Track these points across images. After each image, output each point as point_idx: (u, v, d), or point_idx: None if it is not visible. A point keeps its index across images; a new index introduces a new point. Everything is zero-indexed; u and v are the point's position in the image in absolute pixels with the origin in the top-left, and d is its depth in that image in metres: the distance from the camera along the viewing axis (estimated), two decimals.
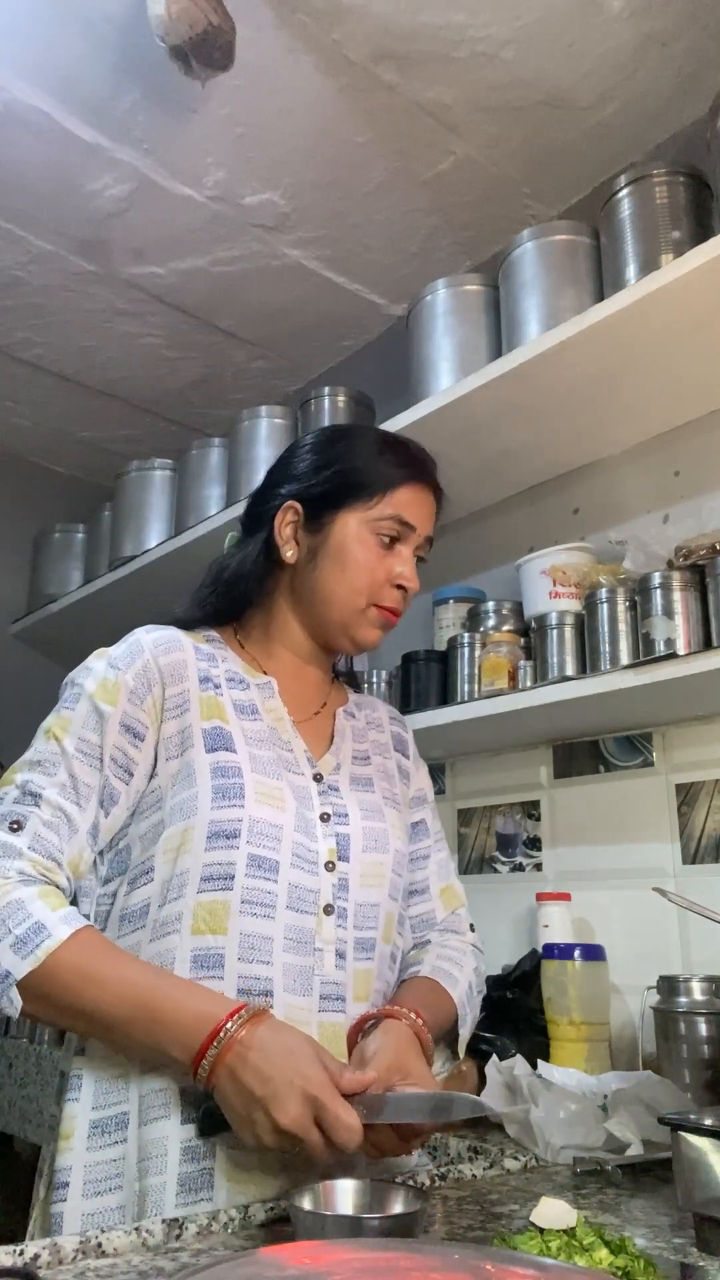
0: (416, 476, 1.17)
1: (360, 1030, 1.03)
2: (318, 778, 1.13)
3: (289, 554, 1.17)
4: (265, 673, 1.17)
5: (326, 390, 2.36)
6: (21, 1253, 0.78)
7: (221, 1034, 0.89)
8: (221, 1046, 0.89)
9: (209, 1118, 0.93)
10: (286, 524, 1.17)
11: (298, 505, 1.17)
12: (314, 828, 1.08)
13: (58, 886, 0.99)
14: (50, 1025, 1.97)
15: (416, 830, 1.25)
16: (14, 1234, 1.00)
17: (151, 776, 1.07)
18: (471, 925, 1.25)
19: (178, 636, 1.14)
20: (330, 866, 1.07)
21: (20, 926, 0.93)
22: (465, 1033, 1.14)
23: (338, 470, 1.16)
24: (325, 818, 1.10)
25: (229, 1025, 0.90)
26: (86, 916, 1.01)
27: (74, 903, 1.01)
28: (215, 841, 1.02)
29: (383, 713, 1.32)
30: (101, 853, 1.08)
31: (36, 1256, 0.78)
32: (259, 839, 1.03)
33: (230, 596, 1.20)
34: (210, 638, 1.18)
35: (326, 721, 1.21)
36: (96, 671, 1.08)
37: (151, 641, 1.11)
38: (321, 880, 1.06)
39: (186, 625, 1.18)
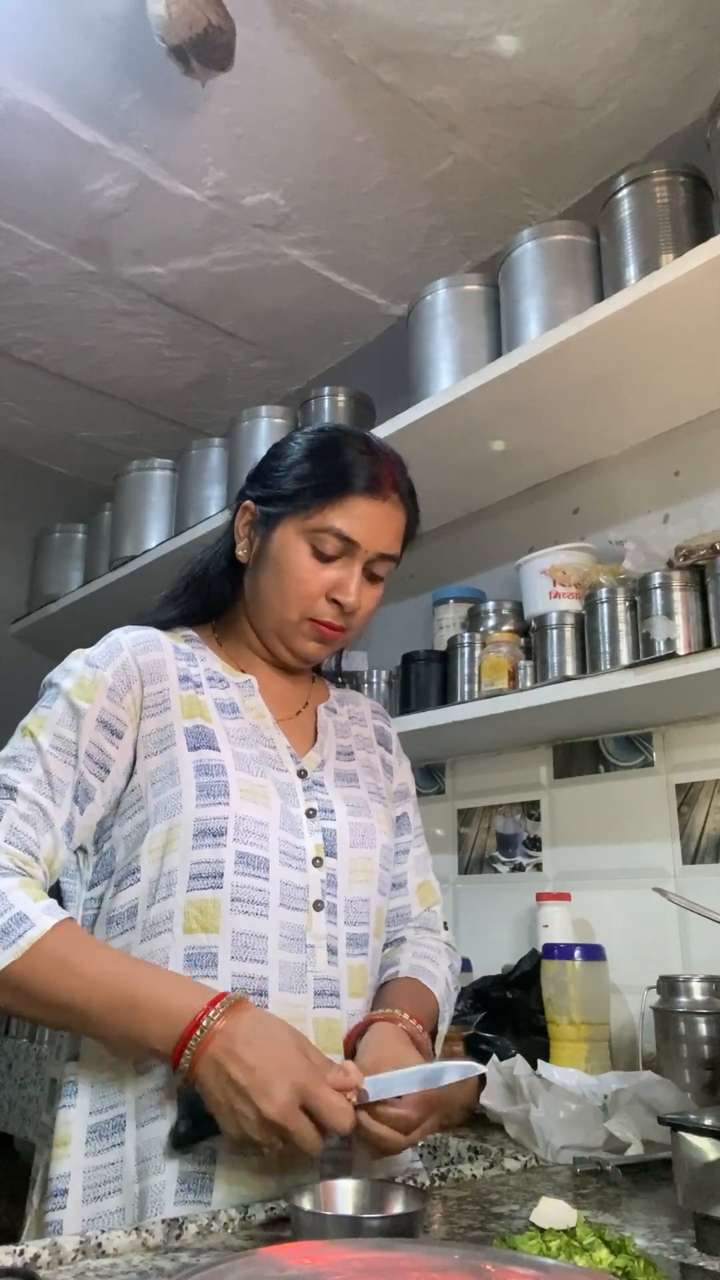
0: (367, 489, 1.09)
1: (357, 1036, 1.03)
2: (302, 774, 1.12)
3: (241, 553, 1.17)
4: (243, 671, 1.17)
5: (326, 390, 2.36)
6: (21, 1253, 0.78)
7: (202, 1025, 0.89)
8: (203, 1038, 0.88)
9: (187, 1130, 0.93)
10: (244, 523, 1.17)
11: (253, 506, 1.16)
12: (299, 824, 1.08)
13: (34, 879, 0.98)
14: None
15: (398, 824, 1.25)
16: (14, 1234, 1.00)
17: (131, 775, 1.06)
18: (445, 923, 1.26)
19: (156, 636, 1.13)
20: (317, 862, 1.07)
21: (2, 917, 0.92)
22: (443, 1029, 1.15)
23: (289, 475, 1.14)
24: (311, 814, 1.10)
25: (210, 1014, 0.89)
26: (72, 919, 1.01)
27: (53, 896, 1.01)
28: (202, 840, 1.02)
29: (365, 707, 1.32)
30: (84, 852, 1.08)
31: (36, 1256, 0.79)
32: (246, 836, 1.03)
33: (200, 595, 1.20)
34: (189, 637, 1.18)
35: (309, 719, 1.21)
36: (74, 670, 1.08)
37: (130, 640, 1.11)
38: (309, 876, 1.06)
39: (164, 625, 1.17)
